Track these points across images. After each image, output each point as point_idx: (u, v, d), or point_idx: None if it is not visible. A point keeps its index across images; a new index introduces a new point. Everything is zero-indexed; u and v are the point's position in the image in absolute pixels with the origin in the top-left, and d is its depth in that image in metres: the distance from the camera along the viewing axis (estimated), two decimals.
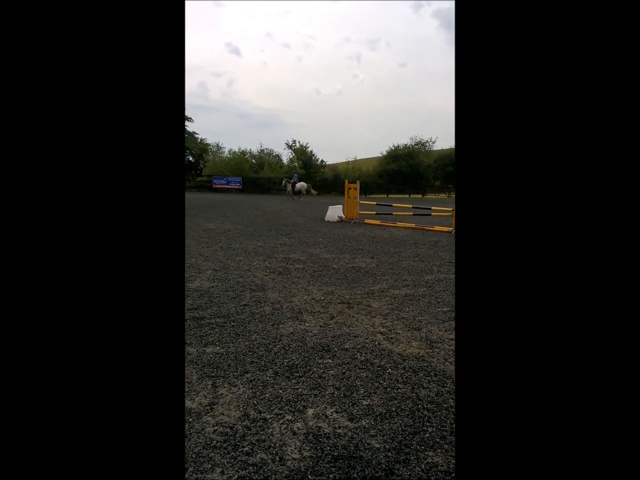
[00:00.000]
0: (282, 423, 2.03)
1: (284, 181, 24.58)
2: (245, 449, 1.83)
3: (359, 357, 2.82)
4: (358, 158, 43.75)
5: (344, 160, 42.80)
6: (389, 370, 2.64)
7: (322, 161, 39.35)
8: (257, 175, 35.66)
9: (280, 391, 2.34)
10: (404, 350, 2.96)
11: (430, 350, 2.96)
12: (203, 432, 1.93)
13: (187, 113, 36.23)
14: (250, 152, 39.13)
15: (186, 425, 1.98)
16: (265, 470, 1.70)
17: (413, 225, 11.17)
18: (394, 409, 2.18)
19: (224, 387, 2.37)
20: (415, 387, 2.43)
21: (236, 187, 32.00)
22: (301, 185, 23.84)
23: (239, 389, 2.36)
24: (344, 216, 12.26)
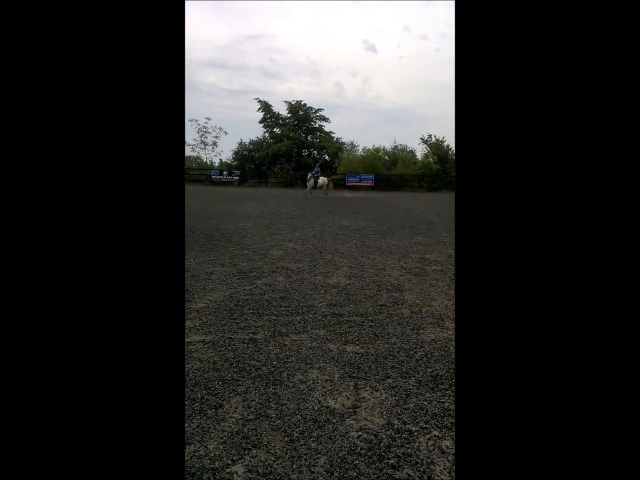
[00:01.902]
0: (429, 439, 1.90)
1: (309, 175, 21.32)
2: (391, 461, 1.75)
3: None
4: None
5: None
6: None
7: None
8: (390, 172, 35.42)
9: (425, 403, 2.20)
10: None
11: None
12: (347, 436, 1.91)
13: (324, 114, 37.68)
14: (383, 149, 39.09)
15: (330, 426, 1.98)
16: None
17: None
18: None
19: (366, 391, 2.32)
20: None
21: (368, 184, 32.24)
22: (323, 180, 21.25)
23: (382, 394, 2.29)
24: None
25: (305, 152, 36.73)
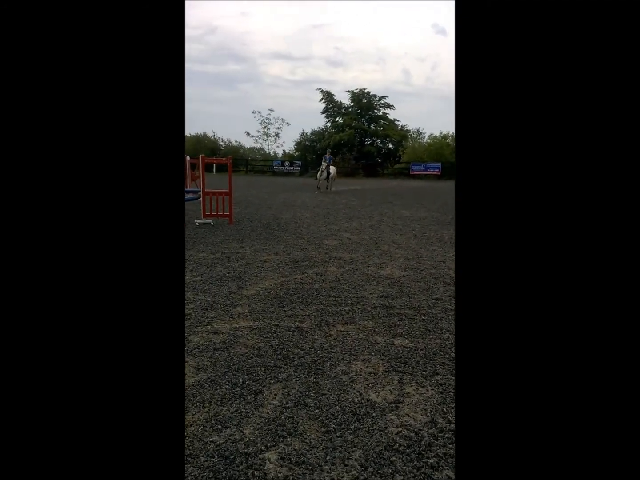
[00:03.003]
0: None
1: (323, 162, 16.45)
2: (431, 461, 1.65)
3: None
4: None
5: None
6: None
7: None
8: None
9: None
10: None
11: None
12: (386, 431, 1.83)
13: (389, 101, 36.89)
14: (452, 136, 37.53)
15: (369, 420, 1.91)
16: None
17: None
18: None
19: (411, 386, 2.22)
20: None
21: (435, 172, 31.19)
22: (333, 170, 16.59)
23: (428, 390, 2.18)
24: None
25: (368, 141, 36.29)
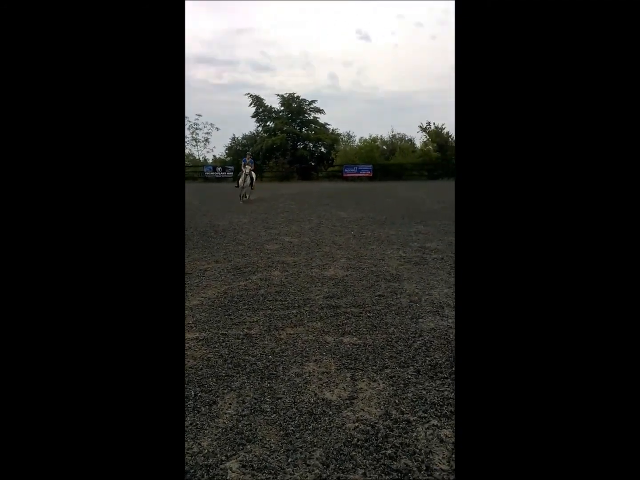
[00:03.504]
0: (428, 428, 1.86)
1: (244, 166, 13.74)
2: (389, 451, 1.71)
3: None
4: None
5: None
6: None
7: None
8: (388, 162, 35.26)
9: (424, 392, 2.16)
10: None
11: None
12: (343, 428, 1.87)
13: (319, 105, 37.46)
14: (381, 139, 38.85)
15: (326, 419, 1.94)
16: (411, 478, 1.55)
17: None
18: None
19: (364, 382, 2.28)
20: None
21: (367, 174, 32.09)
22: (254, 176, 14.22)
23: (379, 384, 2.25)
24: None
25: (300, 145, 36.55)
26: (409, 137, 39.53)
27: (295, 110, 36.51)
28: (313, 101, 37.30)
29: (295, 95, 36.72)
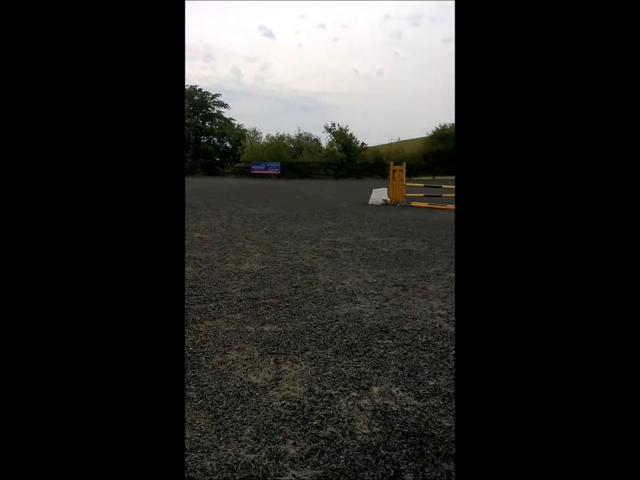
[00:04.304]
0: (349, 399, 2.03)
1: None
2: (315, 422, 1.84)
3: (419, 338, 2.78)
4: (402, 139, 42.98)
5: (385, 142, 42.12)
6: (454, 352, 2.58)
7: (362, 144, 38.85)
8: (296, 160, 35.72)
9: (343, 369, 2.34)
10: None
11: None
12: (271, 406, 1.97)
13: (222, 99, 36.63)
14: (288, 137, 39.21)
15: (254, 399, 2.02)
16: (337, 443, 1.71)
17: None
18: None
19: (287, 364, 2.40)
20: None
21: (275, 172, 32.18)
22: None
23: (301, 365, 2.38)
24: (389, 199, 12.09)
25: (204, 139, 35.44)
26: (315, 137, 40.43)
27: (197, 103, 35.30)
28: (217, 95, 36.44)
29: (197, 88, 35.50)
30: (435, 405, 1.99)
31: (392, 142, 41.40)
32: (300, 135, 40.22)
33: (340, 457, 1.63)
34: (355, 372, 2.30)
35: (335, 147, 36.58)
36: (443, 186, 12.89)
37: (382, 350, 2.58)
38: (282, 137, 38.17)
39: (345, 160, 34.84)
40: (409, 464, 1.59)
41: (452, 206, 11.02)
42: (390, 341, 2.72)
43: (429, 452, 1.66)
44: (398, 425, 1.83)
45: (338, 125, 38.03)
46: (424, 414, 1.92)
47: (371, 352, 2.56)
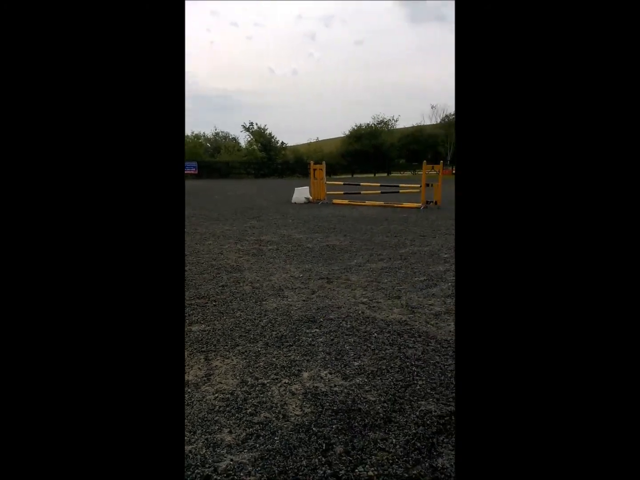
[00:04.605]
0: (280, 386, 2.13)
1: None
2: (249, 410, 1.91)
3: (344, 325, 2.95)
4: (320, 139, 43.74)
5: (305, 142, 42.62)
6: (375, 334, 2.78)
7: (282, 143, 38.95)
8: (214, 159, 34.87)
9: (274, 359, 2.43)
10: (387, 316, 3.12)
11: (412, 315, 3.14)
12: (204, 400, 2.00)
13: None
14: (204, 136, 38.14)
15: (186, 396, 2.04)
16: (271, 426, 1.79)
17: (382, 203, 11.44)
18: (384, 367, 2.33)
19: (217, 360, 2.43)
20: (402, 347, 2.59)
21: (192, 172, 31.13)
22: None
23: (232, 360, 2.43)
24: (311, 197, 12.34)
25: None
26: (233, 136, 39.79)
27: None
28: None
29: None
30: (361, 383, 2.15)
31: (311, 142, 42.10)
32: (217, 134, 39.34)
33: (275, 438, 1.72)
34: (285, 361, 2.40)
35: (254, 146, 36.30)
36: (361, 184, 13.49)
37: (310, 339, 2.71)
38: (197, 136, 37.06)
39: (266, 160, 34.73)
40: (339, 437, 1.73)
41: (371, 202, 11.54)
42: (317, 330, 2.86)
43: (356, 424, 1.81)
44: (327, 404, 1.96)
45: (256, 124, 37.81)
46: (350, 392, 2.07)
47: (300, 341, 2.68)
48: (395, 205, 11.03)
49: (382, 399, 2.01)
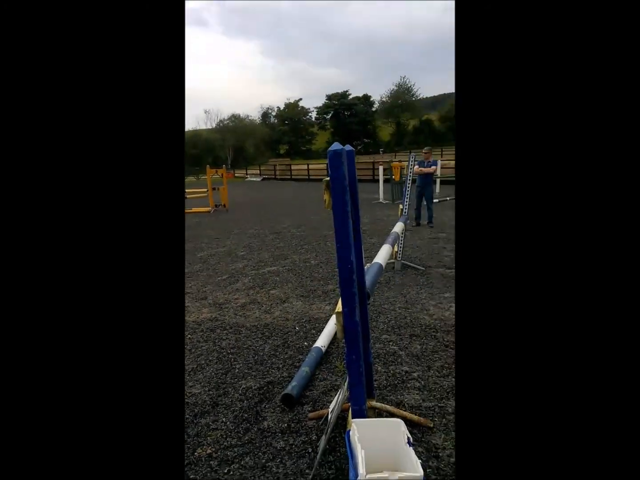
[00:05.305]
0: None
1: None
2: None
3: None
4: None
5: None
6: (189, 336, 2.88)
7: None
8: None
9: None
10: (197, 318, 3.23)
11: (221, 312, 3.33)
12: None
13: None
14: None
15: None
16: None
17: None
18: None
19: None
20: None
21: None
22: None
23: None
24: None
25: None
26: None
27: None
28: None
29: None
30: (185, 381, 2.25)
31: None
32: None
33: None
34: None
35: None
36: None
37: None
38: None
39: None
40: None
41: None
42: None
43: (187, 416, 1.93)
44: None
45: None
46: None
47: None
48: (186, 211, 10.94)
49: (207, 389, 2.18)
